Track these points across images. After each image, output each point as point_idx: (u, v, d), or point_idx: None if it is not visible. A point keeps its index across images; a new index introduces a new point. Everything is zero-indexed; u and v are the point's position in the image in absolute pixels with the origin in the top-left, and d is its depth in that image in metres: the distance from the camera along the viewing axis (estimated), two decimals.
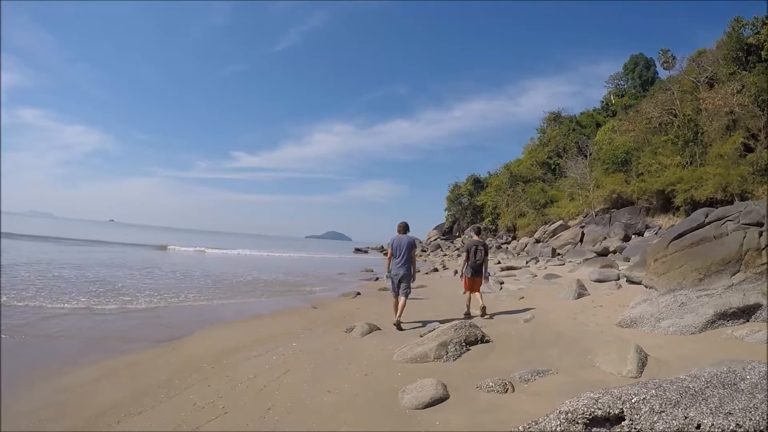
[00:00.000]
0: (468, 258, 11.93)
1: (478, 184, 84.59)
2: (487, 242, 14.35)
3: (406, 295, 10.81)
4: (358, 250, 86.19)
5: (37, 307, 12.13)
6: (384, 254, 67.88)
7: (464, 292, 12.33)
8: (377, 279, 26.51)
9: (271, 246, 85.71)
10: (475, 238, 12.76)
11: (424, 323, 10.71)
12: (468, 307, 11.89)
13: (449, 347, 7.49)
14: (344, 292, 18.82)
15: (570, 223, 54.51)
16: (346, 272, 31.60)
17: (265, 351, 8.67)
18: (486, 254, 11.98)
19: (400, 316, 10.56)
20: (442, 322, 10.26)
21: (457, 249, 60.87)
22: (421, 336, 8.47)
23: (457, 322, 8.27)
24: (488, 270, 12.67)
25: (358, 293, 18.30)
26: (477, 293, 11.88)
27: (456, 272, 13.70)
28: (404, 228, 11.15)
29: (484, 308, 11.51)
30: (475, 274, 11.84)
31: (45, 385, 7.12)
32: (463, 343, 7.72)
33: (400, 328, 10.26)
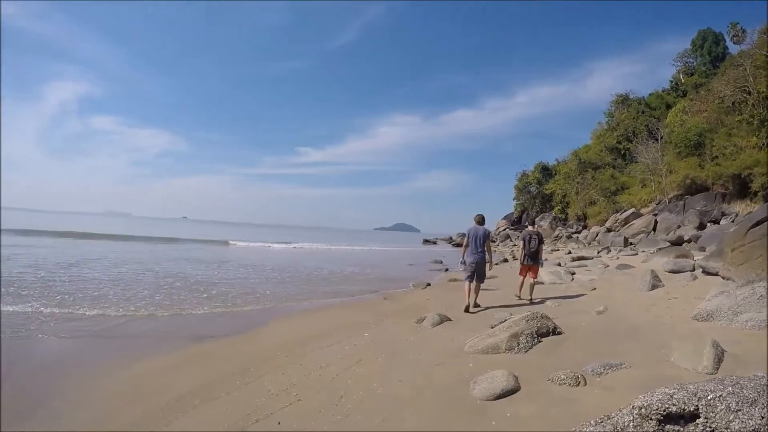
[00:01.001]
0: (524, 246, 12.60)
1: (546, 171, 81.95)
2: (541, 232, 14.90)
3: (480, 282, 11.63)
4: (426, 242, 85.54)
5: (107, 301, 12.87)
6: (453, 245, 67.90)
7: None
8: (447, 270, 26.36)
9: (340, 239, 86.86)
10: (530, 228, 13.29)
11: (495, 314, 10.70)
12: (519, 290, 12.78)
13: (521, 339, 7.37)
14: (414, 283, 18.82)
15: (642, 210, 52.34)
16: (415, 264, 31.42)
17: (337, 341, 8.70)
18: (540, 243, 12.57)
19: (474, 301, 11.43)
20: (512, 313, 10.23)
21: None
22: (492, 327, 8.35)
23: (528, 313, 8.10)
24: (543, 257, 13.14)
25: (428, 284, 18.32)
26: (531, 279, 12.62)
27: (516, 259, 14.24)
28: (481, 219, 11.77)
29: (531, 293, 12.53)
30: (531, 261, 12.48)
31: (124, 372, 7.48)
32: (535, 335, 7.59)
33: (468, 311, 11.02)
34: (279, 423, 5.14)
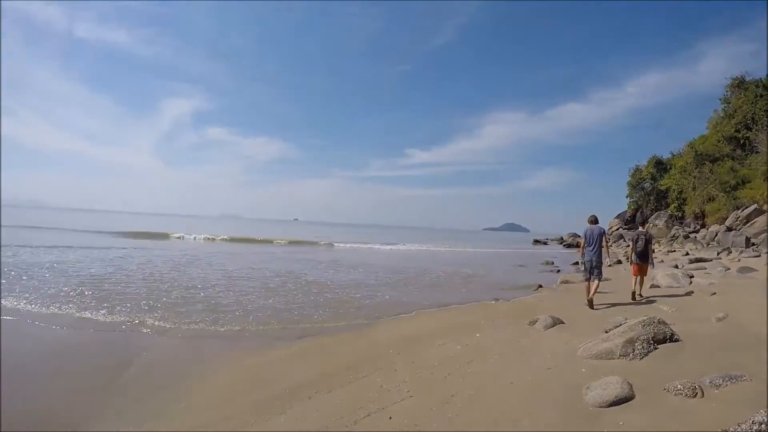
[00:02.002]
0: (633, 246, 13.01)
1: (660, 166, 74.67)
2: (651, 231, 15.34)
3: (599, 279, 11.85)
4: (536, 242, 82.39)
5: (229, 296, 13.81)
6: (564, 246, 65.93)
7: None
8: (558, 271, 25.36)
9: (448, 240, 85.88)
10: (640, 228, 13.64)
11: (609, 317, 10.38)
12: (633, 288, 12.67)
13: (636, 345, 7.07)
14: (525, 284, 18.47)
15: (765, 207, 48.47)
16: (526, 265, 30.61)
17: (449, 340, 8.62)
18: (648, 243, 12.79)
19: (593, 295, 11.66)
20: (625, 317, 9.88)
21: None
22: (607, 331, 8.09)
23: (644, 318, 7.77)
24: (655, 258, 13.61)
25: (540, 285, 17.90)
26: (642, 277, 12.85)
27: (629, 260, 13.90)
28: (595, 219, 12.40)
29: (640, 292, 12.70)
30: (640, 261, 12.72)
31: (242, 362, 7.95)
32: (651, 341, 7.25)
33: (591, 307, 11.45)
34: (390, 418, 5.21)
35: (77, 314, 10.92)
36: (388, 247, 50.13)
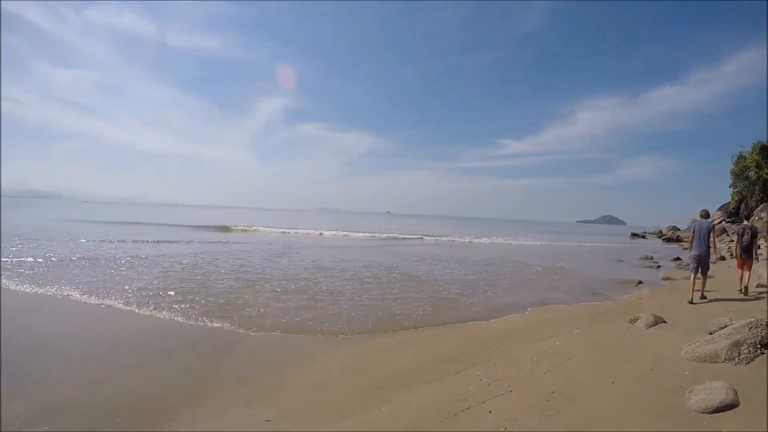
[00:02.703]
0: (738, 240, 12.64)
1: (766, 153, 67.50)
2: (756, 225, 14.64)
3: (705, 275, 11.54)
4: (634, 236, 76.58)
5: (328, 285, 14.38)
6: (664, 240, 62.77)
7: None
8: (659, 267, 23.87)
9: (542, 232, 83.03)
10: (745, 222, 13.51)
11: (713, 317, 9.98)
12: (740, 284, 12.36)
13: (742, 348, 6.76)
14: (625, 280, 17.78)
15: None
16: (624, 260, 29.10)
17: (548, 336, 8.53)
18: (753, 237, 12.47)
19: (700, 294, 11.45)
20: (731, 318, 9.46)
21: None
22: (711, 333, 7.82)
23: (752, 320, 7.45)
24: (758, 253, 13.18)
25: (640, 282, 17.12)
26: (746, 272, 12.35)
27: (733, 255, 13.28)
28: (705, 214, 12.10)
29: (746, 288, 12.20)
30: (745, 255, 12.38)
31: (341, 352, 8.29)
32: (758, 345, 6.90)
33: (692, 303, 11.08)
34: (490, 412, 5.28)
35: (177, 306, 11.53)
36: (481, 240, 49.22)
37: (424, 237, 49.05)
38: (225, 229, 47.70)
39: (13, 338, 8.53)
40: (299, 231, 49.36)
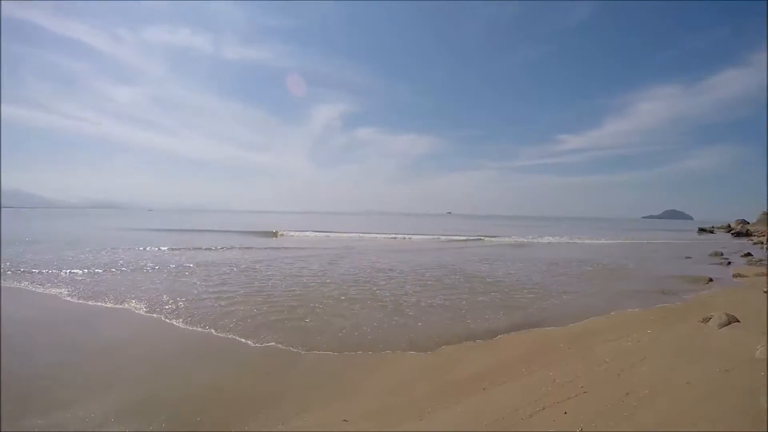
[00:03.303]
0: None
1: None
2: None
3: None
4: (702, 230, 72.31)
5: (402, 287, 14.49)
6: (733, 234, 60.44)
7: None
8: (729, 263, 22.67)
9: (606, 230, 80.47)
10: None
11: None
12: None
13: None
14: (694, 278, 17.09)
15: None
16: (693, 256, 27.81)
17: (619, 336, 8.44)
18: None
19: None
20: None
21: None
22: None
23: None
24: None
25: (710, 279, 16.45)
26: None
27: None
28: None
29: None
30: None
31: (414, 354, 8.42)
32: None
33: None
34: (566, 413, 5.33)
35: (244, 311, 12.01)
36: (543, 239, 48.07)
37: (485, 238, 48.24)
38: (283, 234, 49.43)
39: (94, 342, 8.97)
40: (360, 234, 50.30)
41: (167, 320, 11.11)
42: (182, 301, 12.98)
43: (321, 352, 8.96)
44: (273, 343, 9.42)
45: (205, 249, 29.25)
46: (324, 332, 10.17)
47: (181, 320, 11.09)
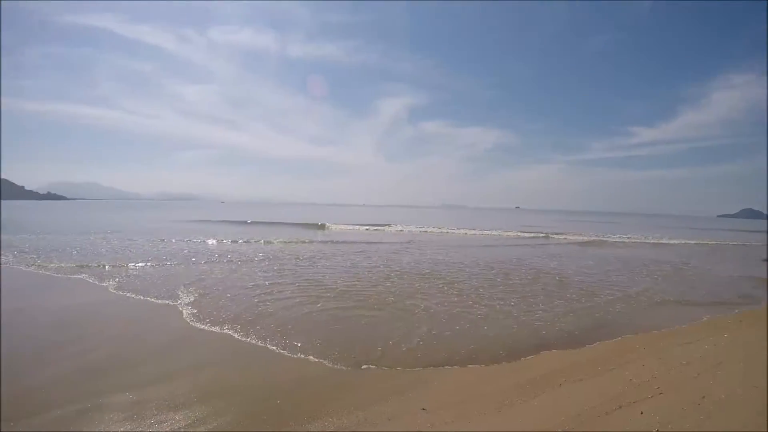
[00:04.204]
0: None
1: None
2: None
3: None
4: None
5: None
6: None
7: None
8: None
9: (681, 228, 76.33)
10: None
11: None
12: None
13: None
14: None
15: None
16: None
17: (696, 339, 8.40)
18: None
19: None
20: None
21: None
22: None
23: None
24: None
25: None
26: None
27: None
28: None
29: None
30: None
31: (489, 354, 8.47)
32: None
33: None
34: (642, 413, 5.44)
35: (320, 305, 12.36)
36: (615, 237, 46.02)
37: (554, 235, 46.59)
38: (340, 227, 50.17)
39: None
40: (426, 229, 50.32)
41: (262, 344, 10.69)
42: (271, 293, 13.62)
43: (401, 350, 9.08)
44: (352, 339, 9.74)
45: (285, 242, 30.55)
46: (396, 338, 9.94)
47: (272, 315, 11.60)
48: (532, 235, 46.68)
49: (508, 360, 8.38)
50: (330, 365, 8.09)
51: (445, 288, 15.11)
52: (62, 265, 17.96)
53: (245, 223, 54.76)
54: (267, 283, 15.18)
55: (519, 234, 47.45)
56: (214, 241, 29.85)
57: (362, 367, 8.01)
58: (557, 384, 6.76)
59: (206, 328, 10.08)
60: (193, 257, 21.34)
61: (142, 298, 12.86)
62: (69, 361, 8.18)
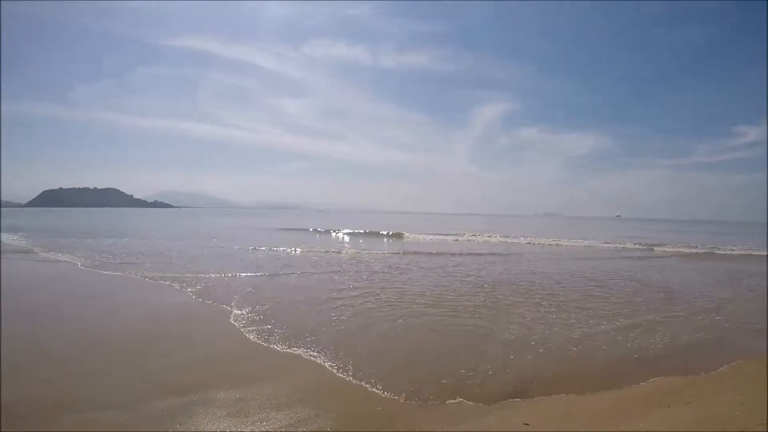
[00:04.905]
0: None
1: None
2: None
3: None
4: None
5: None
6: None
7: None
8: None
9: None
10: None
11: None
12: None
13: None
14: None
15: None
16: None
17: None
18: None
19: None
20: None
21: None
22: None
23: None
24: None
25: None
26: None
27: None
28: None
29: None
30: None
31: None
32: None
33: None
34: None
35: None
36: (724, 250, 39.73)
37: (658, 247, 40.95)
38: (443, 238, 48.29)
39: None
40: (521, 239, 47.22)
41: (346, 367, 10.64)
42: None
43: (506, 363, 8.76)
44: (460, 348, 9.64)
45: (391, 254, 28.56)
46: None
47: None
48: (634, 245, 42.64)
49: (610, 381, 7.95)
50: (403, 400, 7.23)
51: (543, 303, 14.30)
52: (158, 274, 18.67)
53: (328, 232, 55.25)
54: (353, 294, 15.04)
55: (619, 245, 42.97)
56: (298, 250, 30.37)
57: (448, 401, 7.06)
58: (665, 405, 6.53)
59: (280, 340, 10.01)
60: (282, 267, 21.37)
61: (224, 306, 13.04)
62: (167, 357, 8.66)
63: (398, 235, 50.26)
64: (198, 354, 8.89)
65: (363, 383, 7.60)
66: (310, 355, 8.89)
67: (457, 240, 46.93)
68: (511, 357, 8.97)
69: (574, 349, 9.60)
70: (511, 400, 7.06)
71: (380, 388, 7.42)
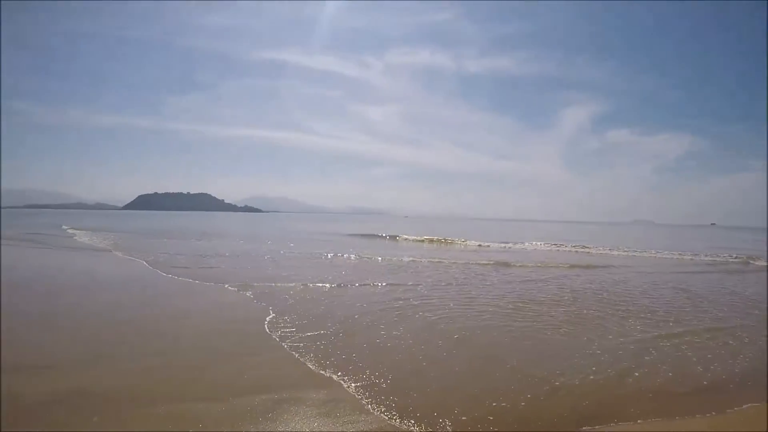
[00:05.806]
0: None
1: None
2: None
3: None
4: None
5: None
6: None
7: None
8: None
9: None
10: None
11: None
12: None
13: None
14: None
15: None
16: None
17: None
18: None
19: None
20: None
21: None
22: None
23: None
24: None
25: None
26: None
27: None
28: None
29: None
30: None
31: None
32: None
33: None
34: None
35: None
36: None
37: (750, 261, 35.16)
38: (532, 247, 45.59)
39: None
40: (613, 250, 42.54)
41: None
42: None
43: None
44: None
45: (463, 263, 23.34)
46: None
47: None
48: (734, 258, 36.27)
49: (705, 406, 7.39)
50: None
51: (630, 318, 12.96)
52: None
53: (394, 238, 54.67)
54: (416, 302, 14.44)
55: (710, 258, 37.04)
56: (354, 256, 30.09)
57: None
58: None
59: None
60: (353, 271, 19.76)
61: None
62: (255, 357, 8.79)
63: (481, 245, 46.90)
64: (282, 354, 8.93)
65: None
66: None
67: (535, 248, 43.95)
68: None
69: (665, 368, 8.90)
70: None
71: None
